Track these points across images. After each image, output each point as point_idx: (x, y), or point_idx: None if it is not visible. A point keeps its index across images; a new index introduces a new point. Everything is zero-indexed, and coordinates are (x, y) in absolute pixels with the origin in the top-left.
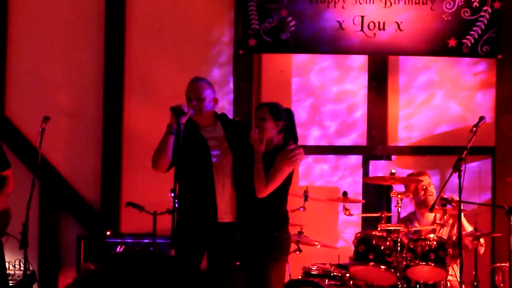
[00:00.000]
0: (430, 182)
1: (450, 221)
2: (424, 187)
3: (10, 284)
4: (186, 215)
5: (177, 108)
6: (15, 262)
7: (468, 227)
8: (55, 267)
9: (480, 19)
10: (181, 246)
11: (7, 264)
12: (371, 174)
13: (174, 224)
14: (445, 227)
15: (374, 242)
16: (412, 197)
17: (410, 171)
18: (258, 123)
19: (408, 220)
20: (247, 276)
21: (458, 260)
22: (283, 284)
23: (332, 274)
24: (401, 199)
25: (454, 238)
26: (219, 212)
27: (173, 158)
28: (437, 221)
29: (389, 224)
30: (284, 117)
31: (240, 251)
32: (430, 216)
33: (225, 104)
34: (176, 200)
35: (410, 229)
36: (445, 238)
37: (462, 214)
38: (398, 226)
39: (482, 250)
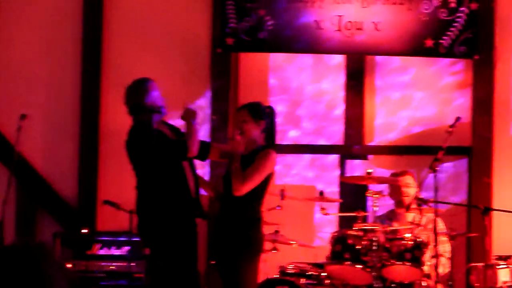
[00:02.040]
0: (409, 182)
1: (424, 221)
2: (401, 187)
3: None
4: (168, 212)
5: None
6: None
7: (442, 227)
8: None
9: (457, 19)
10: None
11: None
12: (348, 174)
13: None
14: (420, 227)
15: (350, 242)
16: (390, 196)
17: (386, 171)
18: (239, 125)
19: (388, 218)
20: (222, 274)
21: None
22: (256, 282)
23: (308, 273)
24: (378, 199)
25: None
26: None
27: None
28: (415, 221)
29: (366, 224)
30: (266, 116)
31: (215, 250)
32: (409, 215)
33: (202, 103)
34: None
35: (387, 229)
36: (421, 238)
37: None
38: (374, 226)
39: (441, 269)
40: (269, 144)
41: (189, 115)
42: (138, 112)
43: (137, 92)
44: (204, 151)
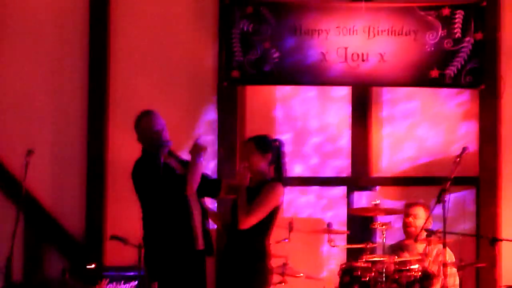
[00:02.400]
0: (418, 213)
1: (434, 253)
2: (410, 218)
3: None
4: (171, 245)
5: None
6: None
7: (452, 257)
8: None
9: (463, 49)
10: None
11: None
12: (355, 205)
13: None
14: (430, 258)
15: (358, 273)
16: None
17: (393, 202)
18: (246, 158)
19: (399, 249)
20: None
21: None
22: None
23: None
24: (385, 230)
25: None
26: (198, 240)
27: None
28: (426, 252)
29: (374, 255)
30: (273, 149)
31: (222, 283)
32: (420, 246)
33: (209, 136)
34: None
35: (395, 260)
36: (431, 269)
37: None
38: (382, 257)
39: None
40: (278, 176)
41: (197, 150)
42: (145, 143)
43: (141, 125)
44: (215, 188)
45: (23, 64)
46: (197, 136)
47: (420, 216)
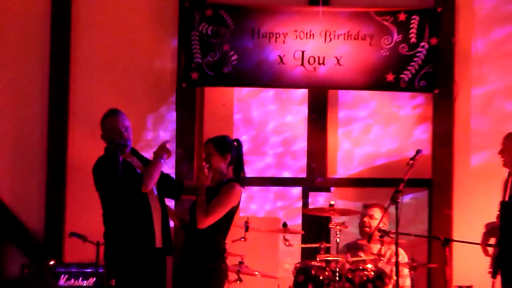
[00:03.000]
0: (374, 215)
1: (388, 253)
2: (366, 218)
3: None
4: (130, 243)
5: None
6: None
7: (404, 258)
8: None
9: (417, 54)
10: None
11: None
12: (310, 206)
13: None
14: (383, 258)
15: (313, 272)
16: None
17: (348, 203)
18: (206, 159)
19: (355, 248)
20: None
21: None
22: None
23: None
24: (340, 230)
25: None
26: (157, 238)
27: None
28: (380, 252)
29: (328, 254)
30: (232, 149)
31: (180, 281)
32: (375, 247)
33: (167, 136)
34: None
35: (349, 259)
36: (384, 269)
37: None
38: (337, 257)
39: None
40: (236, 176)
41: (161, 152)
42: (107, 141)
43: (105, 123)
44: (178, 190)
45: None
46: (165, 140)
47: (376, 217)
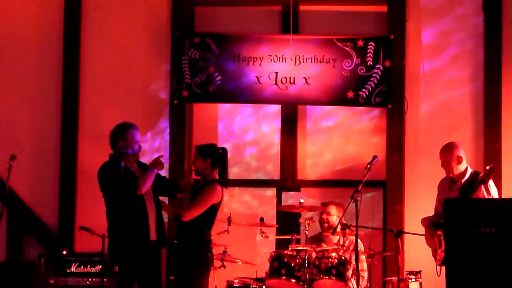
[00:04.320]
0: (330, 211)
1: (347, 243)
2: (324, 215)
3: None
4: (126, 235)
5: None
6: None
7: (361, 247)
8: None
9: (373, 75)
10: (124, 262)
11: None
12: (283, 203)
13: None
14: (344, 247)
15: (286, 260)
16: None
17: (315, 201)
18: (192, 161)
19: (318, 239)
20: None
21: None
22: None
23: (251, 287)
24: (308, 224)
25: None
26: (151, 232)
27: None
28: (340, 243)
29: (298, 245)
30: (213, 155)
31: (173, 267)
32: (335, 238)
33: (162, 145)
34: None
35: (316, 249)
36: (345, 256)
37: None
38: (306, 246)
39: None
40: (221, 178)
41: (155, 164)
42: (113, 149)
43: (114, 135)
44: (174, 189)
45: (7, 84)
46: (160, 155)
47: (332, 213)
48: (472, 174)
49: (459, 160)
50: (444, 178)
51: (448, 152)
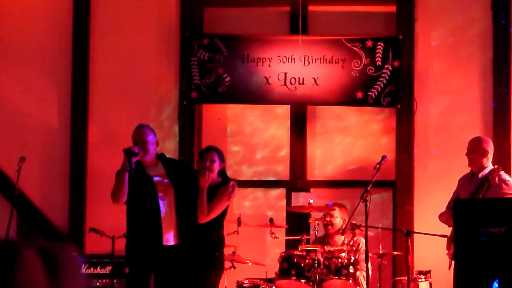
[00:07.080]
0: (334, 213)
1: (351, 243)
2: (328, 217)
3: None
4: (137, 240)
5: (128, 149)
6: None
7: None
8: None
9: (382, 75)
10: (133, 266)
11: None
12: (293, 204)
13: (127, 247)
14: (350, 248)
15: (295, 260)
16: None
17: (324, 201)
18: (209, 164)
19: (323, 241)
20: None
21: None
22: None
23: (261, 287)
24: (318, 225)
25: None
26: (164, 236)
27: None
28: (345, 243)
29: (308, 245)
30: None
31: (185, 269)
32: (340, 238)
33: (171, 146)
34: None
35: (325, 249)
36: (354, 257)
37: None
38: (315, 247)
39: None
40: (225, 180)
41: (228, 195)
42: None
43: (133, 133)
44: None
45: (17, 86)
46: (233, 182)
47: (336, 215)
48: (490, 171)
49: (484, 154)
50: (466, 174)
51: (476, 142)
